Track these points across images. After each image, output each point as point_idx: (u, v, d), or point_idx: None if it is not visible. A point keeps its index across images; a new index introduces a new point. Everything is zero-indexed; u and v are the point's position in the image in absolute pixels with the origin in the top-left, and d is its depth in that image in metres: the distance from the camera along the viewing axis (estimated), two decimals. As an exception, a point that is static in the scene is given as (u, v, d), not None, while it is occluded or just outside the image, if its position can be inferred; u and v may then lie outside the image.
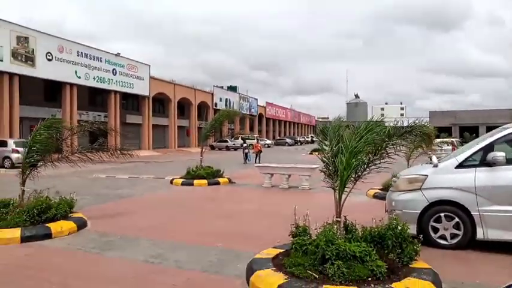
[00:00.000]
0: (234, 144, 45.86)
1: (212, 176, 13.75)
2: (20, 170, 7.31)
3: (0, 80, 24.59)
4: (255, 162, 21.35)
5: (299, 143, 64.84)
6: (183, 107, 48.92)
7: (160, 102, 44.98)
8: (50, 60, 27.80)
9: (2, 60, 24.21)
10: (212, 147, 42.77)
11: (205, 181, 13.21)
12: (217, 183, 13.34)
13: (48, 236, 6.25)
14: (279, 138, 71.62)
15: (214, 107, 52.20)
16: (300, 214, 4.82)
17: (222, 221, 7.64)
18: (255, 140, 35.19)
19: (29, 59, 26.25)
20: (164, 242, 6.05)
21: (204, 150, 15.50)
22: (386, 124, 4.76)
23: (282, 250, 4.88)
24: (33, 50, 26.44)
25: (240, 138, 41.43)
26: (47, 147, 7.29)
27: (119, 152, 7.93)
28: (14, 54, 25.11)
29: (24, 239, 6.03)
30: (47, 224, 6.48)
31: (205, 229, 6.97)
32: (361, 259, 4.04)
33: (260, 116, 71.46)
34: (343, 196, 4.55)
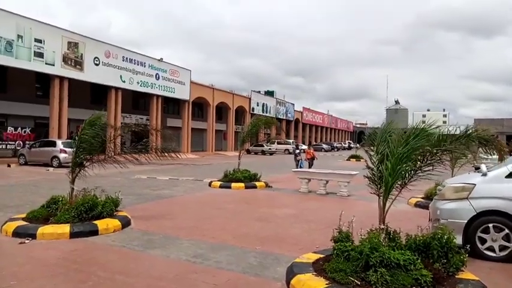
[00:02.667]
0: (269, 148, 45.94)
1: (249, 179, 13.84)
2: (69, 169, 7.65)
3: (52, 83, 26.03)
4: None
5: (336, 149, 63.94)
6: (221, 111, 49.62)
7: (199, 107, 45.89)
8: (97, 64, 29.09)
9: (53, 65, 25.62)
10: (248, 152, 43.01)
11: (242, 184, 13.32)
12: (254, 186, 13.41)
13: (95, 232, 6.53)
14: (315, 143, 70.91)
15: (251, 112, 52.53)
16: (342, 220, 4.78)
17: (260, 224, 7.68)
18: (306, 146, 33.07)
19: (78, 63, 27.59)
20: (204, 242, 6.16)
21: (241, 154, 15.66)
22: (433, 130, 4.60)
23: (322, 255, 4.85)
24: (81, 54, 27.78)
25: (292, 143, 41.20)
26: (93, 147, 7.56)
27: (161, 152, 8.13)
28: (65, 59, 26.49)
29: (73, 235, 6.33)
30: (93, 221, 6.76)
31: (244, 231, 7.03)
32: (405, 267, 3.95)
33: (297, 121, 71.15)
34: (388, 203, 4.46)
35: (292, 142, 53.83)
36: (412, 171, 4.47)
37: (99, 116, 7.75)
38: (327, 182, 12.20)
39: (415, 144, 4.31)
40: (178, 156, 8.76)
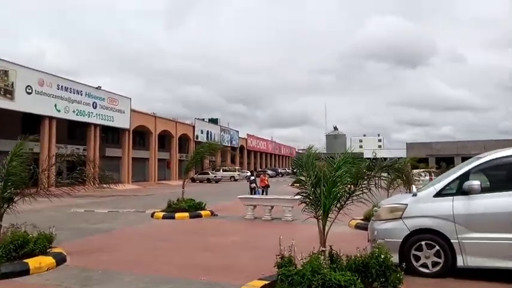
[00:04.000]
0: (215, 176, 45.67)
1: (194, 208, 13.62)
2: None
3: (-23, 113, 24.14)
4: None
5: (280, 175, 65.01)
6: (164, 139, 48.73)
7: (140, 135, 44.69)
8: (29, 93, 27.54)
9: (-21, 93, 23.84)
10: (193, 180, 42.41)
11: (187, 214, 13.06)
12: (200, 215, 13.20)
13: (25, 272, 6.05)
14: (260, 170, 71.65)
15: (195, 139, 52.16)
16: (284, 245, 4.86)
17: (206, 254, 7.56)
18: (260, 173, 29.16)
19: (8, 92, 25.94)
20: (147, 276, 5.93)
21: (185, 182, 15.42)
22: (365, 156, 4.96)
23: (267, 282, 4.88)
24: (12, 83, 26.19)
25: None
26: (22, 179, 7.07)
27: (99, 182, 7.80)
28: (-7, 87, 24.79)
29: (1, 276, 5.81)
30: (24, 260, 6.27)
31: (189, 262, 6.88)
32: (346, 288, 4.09)
33: (241, 148, 71.70)
34: (327, 225, 4.63)
35: (238, 169, 53.99)
36: (347, 194, 4.71)
37: (22, 143, 7.26)
38: (272, 207, 12.36)
39: (347, 170, 4.58)
40: (118, 186, 8.46)
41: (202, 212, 13.47)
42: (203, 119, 59.32)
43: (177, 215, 12.93)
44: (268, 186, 20.59)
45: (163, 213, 13.27)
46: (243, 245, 8.44)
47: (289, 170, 68.85)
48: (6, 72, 25.87)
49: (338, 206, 4.69)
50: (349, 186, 4.72)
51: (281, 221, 11.83)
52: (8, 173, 6.81)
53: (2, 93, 25.50)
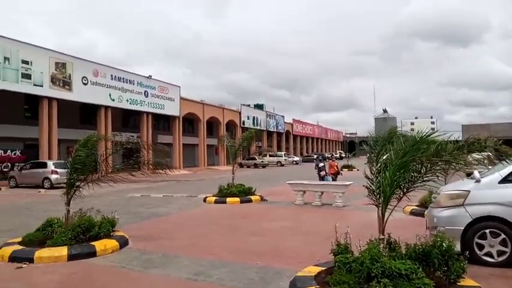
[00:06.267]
0: (262, 161, 46.01)
1: (244, 193, 13.83)
2: (64, 190, 7.56)
3: (40, 105, 25.87)
4: None
5: (327, 160, 64.22)
6: (212, 126, 49.69)
7: (189, 122, 45.93)
8: (85, 84, 29.03)
9: (42, 86, 25.51)
10: (241, 165, 43.00)
11: (237, 199, 13.31)
12: (250, 200, 13.40)
13: (92, 254, 6.46)
14: (306, 154, 71.25)
15: (242, 125, 52.70)
16: (336, 232, 4.81)
17: (258, 239, 7.67)
18: (329, 159, 23.63)
19: (66, 83, 27.51)
20: (203, 259, 6.13)
21: (235, 168, 15.68)
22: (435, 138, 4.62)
23: (323, 268, 4.87)
24: (70, 75, 27.72)
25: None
26: (87, 167, 7.54)
27: (154, 167, 8.11)
28: (53, 80, 26.40)
29: (71, 257, 6.25)
30: (91, 243, 6.70)
31: (242, 246, 7.02)
32: (407, 277, 3.98)
33: (287, 133, 71.50)
34: (386, 213, 4.51)
35: (284, 154, 53.91)
36: (411, 182, 4.54)
37: (90, 138, 7.73)
38: (322, 193, 12.26)
39: (413, 154, 4.37)
40: (171, 172, 8.75)
41: (252, 197, 13.65)
42: (249, 105, 59.64)
43: (228, 199, 13.21)
44: (339, 173, 18.51)
45: (215, 198, 13.62)
46: (294, 231, 8.47)
47: (336, 155, 67.90)
48: (64, 65, 27.40)
49: (398, 193, 4.53)
50: (414, 173, 4.51)
51: (332, 206, 11.72)
52: (74, 161, 7.26)
53: (61, 84, 27.09)
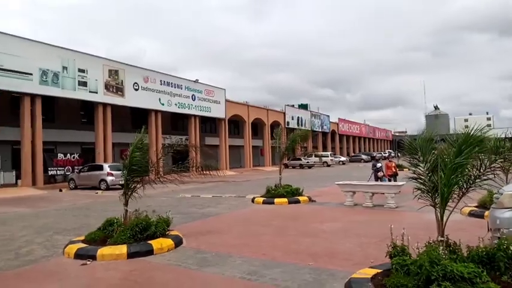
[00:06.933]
0: (307, 162, 45.63)
1: (292, 194, 13.81)
2: (119, 191, 7.96)
3: (96, 110, 27.36)
4: None
5: (375, 159, 62.46)
6: (257, 127, 50.06)
7: (235, 124, 46.62)
8: (136, 89, 30.32)
9: (96, 92, 26.97)
10: (286, 166, 42.88)
11: (285, 200, 13.32)
12: (298, 201, 13.36)
13: (150, 252, 6.75)
14: (353, 154, 69.81)
15: (286, 126, 52.66)
16: (392, 233, 4.70)
17: (308, 240, 7.64)
18: (385, 160, 24.00)
19: (119, 89, 28.88)
20: (256, 259, 6.21)
21: (281, 169, 15.71)
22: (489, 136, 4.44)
23: (379, 270, 4.77)
24: (122, 81, 29.08)
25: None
26: (142, 168, 7.90)
27: (202, 169, 8.38)
28: (107, 86, 27.82)
29: (130, 255, 6.58)
30: (148, 241, 7.00)
31: (294, 247, 7.03)
32: (470, 281, 3.82)
33: (333, 132, 70.44)
34: (445, 214, 4.35)
35: (330, 154, 53.11)
36: (470, 181, 4.35)
37: (141, 138, 8.03)
38: (373, 194, 11.98)
39: (469, 153, 4.19)
40: (219, 173, 8.99)
41: (300, 198, 13.61)
42: (293, 105, 59.43)
43: (276, 200, 13.27)
44: (396, 174, 17.46)
45: (263, 198, 13.72)
46: (345, 232, 8.35)
47: (385, 154, 65.90)
48: (116, 72, 28.78)
49: (457, 193, 4.35)
50: (473, 171, 4.33)
51: (383, 208, 11.42)
52: (130, 163, 7.62)
53: (114, 90, 28.48)
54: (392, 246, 4.63)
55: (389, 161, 18.45)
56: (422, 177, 4.69)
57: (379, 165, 16.95)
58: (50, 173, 25.27)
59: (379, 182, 14.95)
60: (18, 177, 23.98)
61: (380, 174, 16.70)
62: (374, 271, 4.78)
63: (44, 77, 23.72)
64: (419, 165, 4.84)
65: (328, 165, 48.60)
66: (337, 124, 72.33)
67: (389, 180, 16.65)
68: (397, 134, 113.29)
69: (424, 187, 4.55)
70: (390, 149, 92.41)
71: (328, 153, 54.53)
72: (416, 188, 4.83)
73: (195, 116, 36.56)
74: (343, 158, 57.16)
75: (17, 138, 23.36)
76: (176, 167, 8.46)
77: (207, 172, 8.62)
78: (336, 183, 13.29)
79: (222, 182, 24.04)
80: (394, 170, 17.43)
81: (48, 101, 25.48)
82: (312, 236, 8.04)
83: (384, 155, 54.45)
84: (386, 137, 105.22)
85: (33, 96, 23.26)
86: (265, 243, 7.50)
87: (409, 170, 5.07)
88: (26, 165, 22.86)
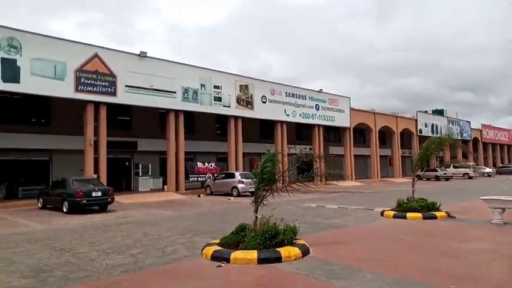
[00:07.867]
0: (445, 173, 41.49)
1: (427, 209, 12.69)
2: (249, 198, 8.44)
3: (228, 123, 29.56)
4: None
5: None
6: (384, 135, 47.62)
7: (360, 132, 45.19)
8: (264, 102, 31.81)
9: (229, 106, 29.14)
10: (419, 177, 39.67)
11: (419, 214, 12.30)
12: (434, 217, 12.21)
13: (278, 259, 6.95)
14: (502, 165, 61.03)
15: (418, 134, 48.90)
16: None
17: (448, 260, 6.92)
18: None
19: (249, 103, 30.69)
20: (388, 276, 5.88)
21: (415, 180, 14.59)
22: None
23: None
24: (251, 95, 30.84)
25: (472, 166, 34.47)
26: (272, 178, 8.26)
27: (326, 178, 8.36)
28: (238, 100, 29.85)
29: (260, 261, 6.86)
30: (276, 249, 7.22)
31: (431, 267, 6.45)
32: None
33: (475, 140, 62.77)
34: None
35: (473, 165, 47.46)
36: None
37: (274, 154, 8.54)
38: (528, 211, 10.28)
39: None
40: (343, 182, 8.83)
41: (437, 213, 12.42)
42: (426, 111, 54.91)
43: (408, 214, 12.36)
44: None
45: (393, 212, 12.92)
46: (495, 254, 7.33)
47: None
48: (247, 87, 30.68)
49: None
50: None
51: (543, 228, 9.70)
52: (262, 172, 8.06)
53: (244, 104, 30.37)
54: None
55: None
56: None
57: None
58: (191, 179, 28.08)
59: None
60: (164, 183, 27.31)
61: None
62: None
63: (186, 95, 26.61)
64: None
65: (470, 177, 43.44)
66: (480, 131, 64.27)
67: None
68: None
69: None
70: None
71: (470, 163, 48.73)
72: None
73: (318, 125, 36.60)
74: (488, 170, 50.46)
75: (163, 149, 26.65)
76: (302, 177, 8.62)
77: (332, 182, 8.59)
78: (482, 197, 11.76)
79: (347, 193, 23.47)
80: None
81: (189, 116, 28.49)
82: (451, 256, 7.27)
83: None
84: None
85: (177, 112, 26.29)
86: (397, 259, 7.05)
87: None
88: (171, 172, 25.85)
